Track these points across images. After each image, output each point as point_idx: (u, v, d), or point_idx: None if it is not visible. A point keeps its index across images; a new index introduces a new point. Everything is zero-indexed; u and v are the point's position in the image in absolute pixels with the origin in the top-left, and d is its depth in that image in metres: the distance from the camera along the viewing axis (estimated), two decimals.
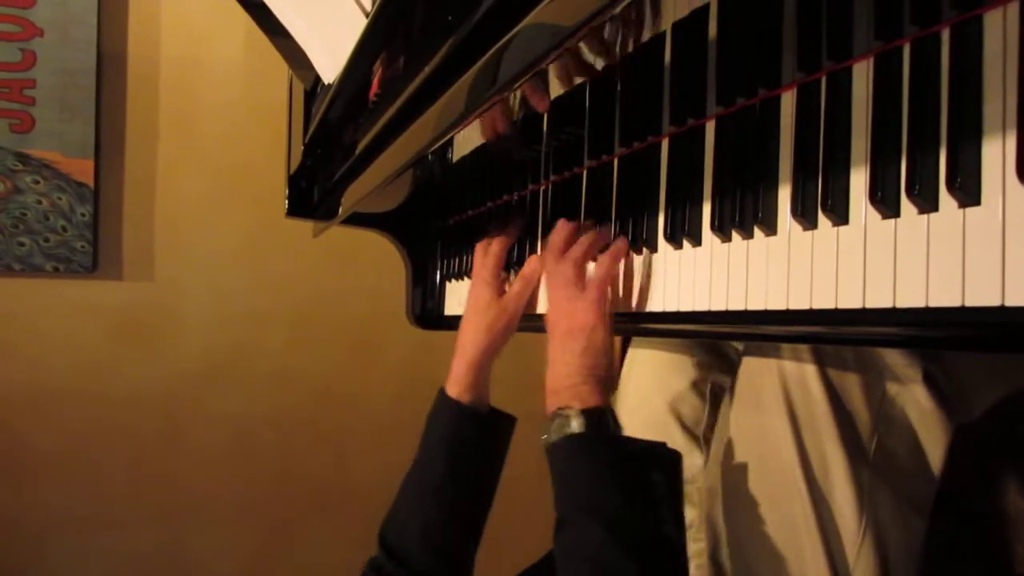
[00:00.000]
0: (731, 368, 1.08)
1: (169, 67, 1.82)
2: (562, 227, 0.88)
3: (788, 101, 0.62)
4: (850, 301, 0.55)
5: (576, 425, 0.76)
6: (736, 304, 0.66)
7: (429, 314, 1.50)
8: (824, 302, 0.57)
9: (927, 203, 0.49)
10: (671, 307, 0.75)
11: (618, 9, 0.53)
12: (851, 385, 0.80)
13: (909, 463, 0.81)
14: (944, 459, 0.81)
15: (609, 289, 0.82)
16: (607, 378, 0.80)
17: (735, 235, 0.67)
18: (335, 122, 1.15)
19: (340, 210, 1.33)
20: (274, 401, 1.95)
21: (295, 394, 1.97)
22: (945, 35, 0.49)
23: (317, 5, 0.92)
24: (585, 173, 0.93)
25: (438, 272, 1.48)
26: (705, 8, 0.72)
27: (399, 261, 2.01)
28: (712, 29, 0.71)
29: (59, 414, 1.78)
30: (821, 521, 0.78)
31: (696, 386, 1.09)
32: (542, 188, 1.04)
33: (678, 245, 0.75)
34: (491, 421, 1.01)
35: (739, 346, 1.11)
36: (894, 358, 0.80)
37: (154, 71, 1.81)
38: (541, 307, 0.98)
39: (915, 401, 0.80)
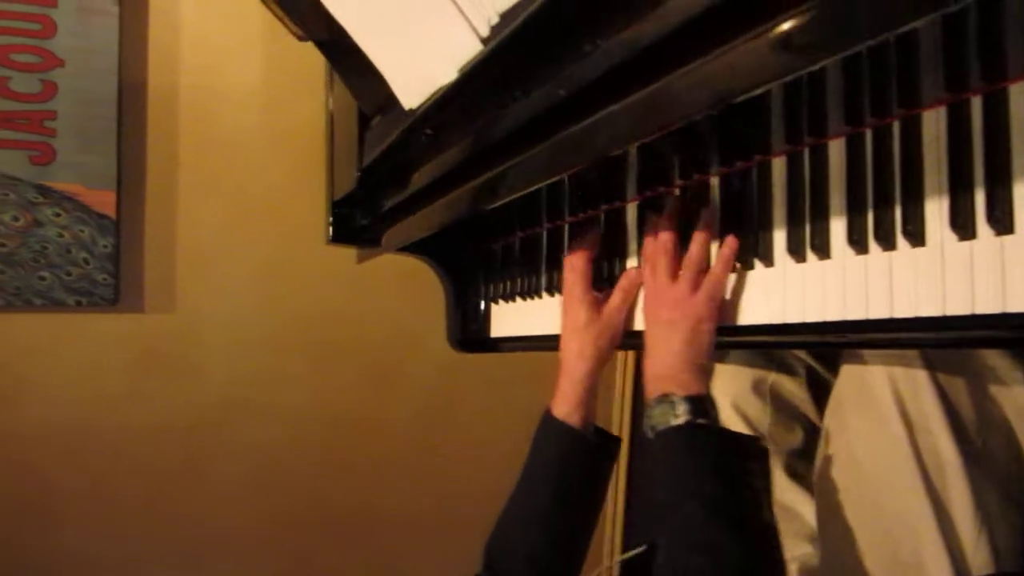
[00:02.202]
0: (788, 369, 1.13)
1: (188, 95, 1.80)
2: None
3: (931, 120, 0.66)
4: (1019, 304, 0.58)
5: (681, 411, 0.80)
6: (880, 312, 0.69)
7: (473, 337, 1.50)
8: (990, 307, 0.60)
9: None
10: (794, 319, 0.78)
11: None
12: (958, 388, 0.84)
13: (1011, 462, 0.85)
14: None
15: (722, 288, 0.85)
16: (707, 368, 0.85)
17: (874, 246, 0.70)
18: (408, 150, 1.16)
19: (397, 240, 1.34)
20: (296, 430, 1.93)
21: (317, 422, 1.96)
22: None
23: (420, 28, 0.92)
24: (677, 191, 0.95)
25: (481, 295, 1.49)
26: None
27: (417, 285, 2.02)
28: None
29: (81, 449, 1.74)
30: (939, 517, 0.81)
31: (756, 387, 1.13)
32: (616, 208, 1.07)
33: (801, 258, 0.78)
34: (597, 444, 1.01)
35: (801, 353, 1.16)
36: (996, 360, 0.84)
37: (174, 100, 1.79)
38: (639, 324, 1.00)
39: (1014, 401, 0.85)
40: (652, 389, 0.85)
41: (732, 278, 0.85)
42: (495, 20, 0.81)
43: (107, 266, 1.72)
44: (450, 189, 1.10)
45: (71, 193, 1.69)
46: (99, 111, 1.71)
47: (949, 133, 0.64)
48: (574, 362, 0.99)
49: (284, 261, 1.91)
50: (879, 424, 0.86)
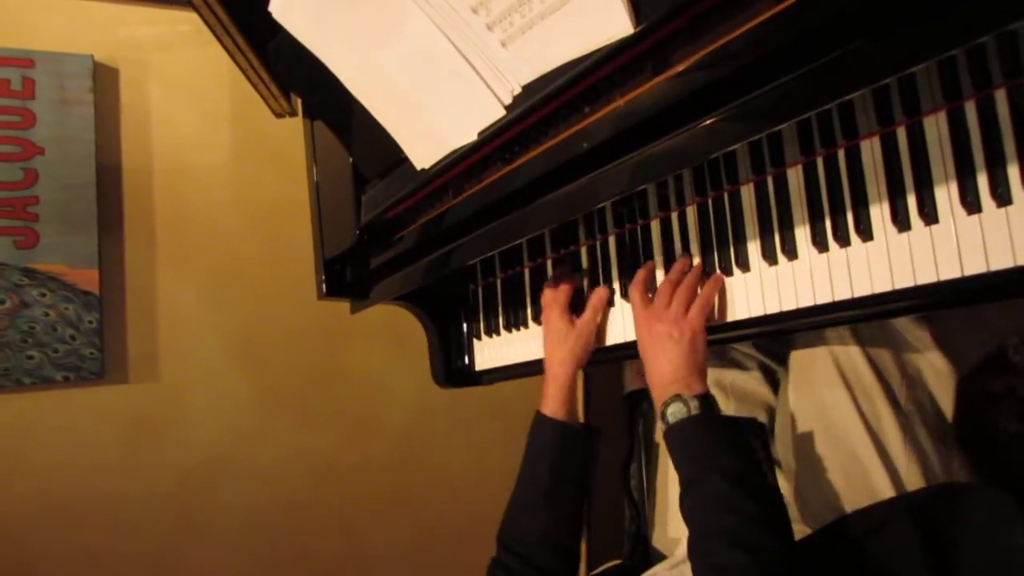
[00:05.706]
0: (741, 366, 1.34)
1: (162, 176, 1.91)
2: (650, 265, 1.13)
3: (867, 147, 0.89)
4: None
5: (694, 406, 0.96)
6: (843, 294, 0.91)
7: (460, 372, 1.64)
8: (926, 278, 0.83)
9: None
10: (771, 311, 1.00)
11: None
12: (884, 357, 1.08)
13: (934, 410, 1.08)
14: (954, 402, 1.10)
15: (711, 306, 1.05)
16: (705, 372, 1.02)
17: (833, 245, 0.92)
18: (417, 206, 1.33)
19: (390, 292, 1.49)
20: (282, 481, 2.02)
21: (300, 473, 2.05)
22: None
23: (439, 99, 1.09)
24: (659, 223, 1.16)
25: (464, 334, 1.64)
26: None
27: (385, 340, 2.17)
28: None
29: (77, 520, 1.78)
30: (879, 450, 1.04)
31: (719, 384, 1.33)
32: (593, 244, 1.26)
33: (774, 261, 0.99)
34: (584, 432, 1.19)
35: (745, 348, 1.37)
36: (911, 331, 1.08)
37: (148, 181, 1.90)
38: (610, 339, 1.21)
39: (928, 361, 1.09)
40: (663, 393, 1.00)
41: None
42: (518, 90, 1.00)
43: (94, 340, 1.79)
44: (455, 240, 1.27)
45: (55, 273, 1.76)
46: (79, 195, 1.80)
47: (884, 155, 0.87)
48: (557, 369, 1.19)
49: (259, 325, 2.02)
50: (827, 389, 1.09)
